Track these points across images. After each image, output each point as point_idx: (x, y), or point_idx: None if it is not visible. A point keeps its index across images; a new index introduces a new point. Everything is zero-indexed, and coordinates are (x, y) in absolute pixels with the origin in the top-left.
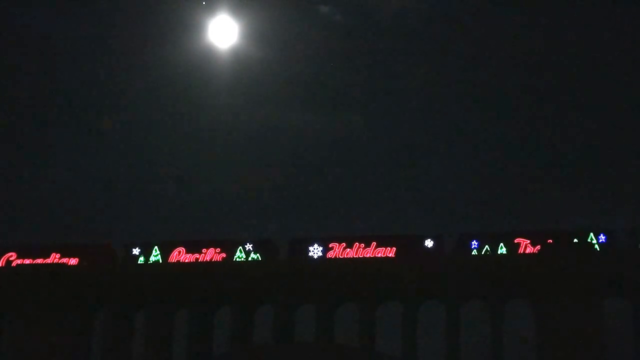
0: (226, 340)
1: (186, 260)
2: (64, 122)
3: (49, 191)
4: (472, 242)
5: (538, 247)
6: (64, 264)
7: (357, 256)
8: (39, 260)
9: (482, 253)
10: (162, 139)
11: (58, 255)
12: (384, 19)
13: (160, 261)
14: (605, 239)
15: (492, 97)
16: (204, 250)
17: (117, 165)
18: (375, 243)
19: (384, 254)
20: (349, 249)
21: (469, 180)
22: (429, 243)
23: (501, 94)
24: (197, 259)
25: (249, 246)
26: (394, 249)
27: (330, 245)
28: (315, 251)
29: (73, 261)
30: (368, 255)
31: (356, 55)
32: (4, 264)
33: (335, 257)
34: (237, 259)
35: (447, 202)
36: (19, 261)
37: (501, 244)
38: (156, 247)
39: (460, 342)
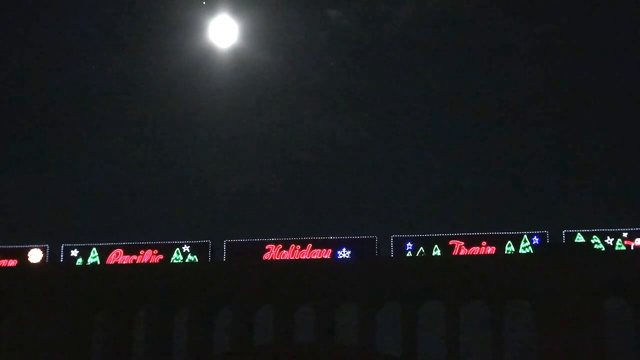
0: (226, 340)
1: (124, 262)
2: (58, 122)
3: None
4: (407, 244)
5: (473, 248)
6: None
7: (293, 257)
8: None
9: (417, 255)
10: (160, 139)
11: None
12: (394, 26)
13: (98, 263)
14: (539, 241)
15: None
16: (141, 252)
17: (116, 169)
18: (310, 245)
19: (319, 256)
20: (285, 251)
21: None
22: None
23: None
24: (134, 260)
25: (186, 248)
26: (330, 250)
27: (266, 247)
28: (252, 253)
29: (12, 262)
30: (304, 257)
31: (362, 61)
32: None
33: (272, 258)
34: (175, 261)
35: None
36: None
37: (435, 246)
38: (94, 249)
39: (460, 342)
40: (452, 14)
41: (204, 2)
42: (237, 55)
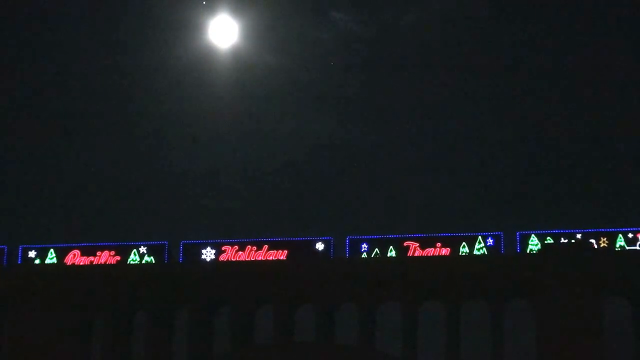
0: (226, 341)
1: (81, 263)
2: (60, 122)
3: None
4: (362, 245)
5: (427, 250)
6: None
7: (249, 259)
8: None
9: (372, 256)
10: (160, 139)
11: None
12: (400, 30)
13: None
14: (493, 242)
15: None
16: (98, 253)
17: (116, 167)
18: (267, 246)
19: (275, 257)
20: (241, 252)
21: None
22: (319, 246)
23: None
24: (92, 261)
25: (143, 249)
26: (286, 251)
27: (222, 248)
28: (208, 254)
29: None
30: (260, 258)
31: (367, 65)
32: None
33: (228, 259)
34: (131, 262)
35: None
36: None
37: (390, 247)
38: (52, 250)
39: (460, 342)
40: (458, 19)
41: (204, 2)
42: (238, 55)
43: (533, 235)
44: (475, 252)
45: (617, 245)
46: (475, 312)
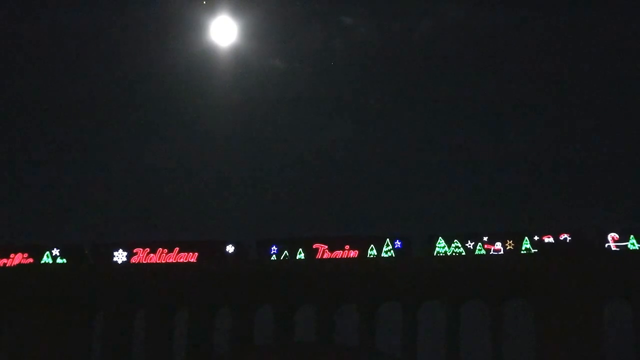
0: (226, 341)
1: None
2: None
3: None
4: (272, 247)
5: (336, 252)
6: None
7: (160, 261)
8: None
9: (282, 258)
10: (161, 137)
11: None
12: (411, 38)
13: None
14: (401, 245)
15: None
16: (12, 255)
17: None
18: (178, 248)
19: (186, 259)
20: (152, 254)
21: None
22: (230, 248)
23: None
24: (5, 263)
25: (55, 251)
26: (197, 254)
27: (134, 251)
28: (120, 256)
29: None
30: (171, 261)
31: (371, 67)
32: None
33: (139, 262)
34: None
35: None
36: None
37: (300, 249)
38: None
39: (460, 342)
40: (468, 27)
41: (204, 2)
42: (238, 54)
43: (440, 237)
44: (383, 254)
45: (523, 248)
46: (475, 312)
